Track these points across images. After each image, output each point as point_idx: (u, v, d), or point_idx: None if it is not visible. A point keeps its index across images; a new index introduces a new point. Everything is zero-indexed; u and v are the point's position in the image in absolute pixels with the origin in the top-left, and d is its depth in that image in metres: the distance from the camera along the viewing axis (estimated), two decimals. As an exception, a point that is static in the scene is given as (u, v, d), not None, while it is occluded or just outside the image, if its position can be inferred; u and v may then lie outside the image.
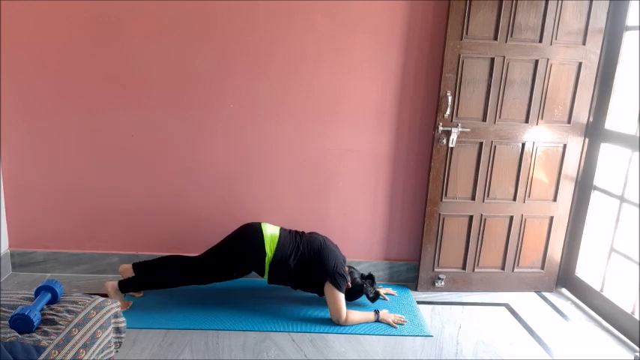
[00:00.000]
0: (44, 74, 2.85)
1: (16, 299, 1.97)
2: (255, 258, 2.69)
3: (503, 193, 3.07)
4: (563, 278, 3.25)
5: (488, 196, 3.06)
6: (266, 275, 2.73)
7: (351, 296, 2.80)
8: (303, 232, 2.85)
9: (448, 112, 2.87)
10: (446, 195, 3.04)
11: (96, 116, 2.92)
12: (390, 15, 2.86)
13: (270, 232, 2.74)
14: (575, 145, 3.04)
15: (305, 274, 2.72)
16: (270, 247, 2.68)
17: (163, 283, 2.78)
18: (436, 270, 3.15)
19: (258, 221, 2.84)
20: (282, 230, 2.78)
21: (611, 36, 2.88)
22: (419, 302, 3.03)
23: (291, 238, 2.76)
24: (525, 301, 3.11)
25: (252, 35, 2.85)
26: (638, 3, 2.75)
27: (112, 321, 1.97)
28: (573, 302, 3.13)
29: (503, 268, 3.19)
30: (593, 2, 2.81)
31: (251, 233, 2.73)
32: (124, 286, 2.73)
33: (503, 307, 3.03)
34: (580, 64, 2.90)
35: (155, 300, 2.83)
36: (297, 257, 2.69)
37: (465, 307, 3.02)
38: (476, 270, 3.17)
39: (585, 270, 3.16)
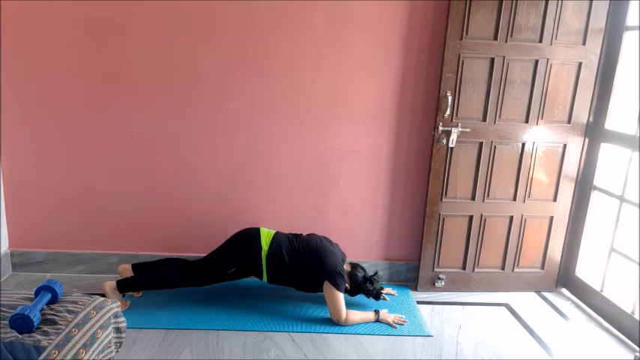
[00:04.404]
0: (44, 74, 2.85)
1: (16, 299, 1.97)
2: (251, 252, 2.71)
3: (503, 193, 3.07)
4: (563, 278, 3.25)
5: (488, 196, 3.06)
6: (264, 274, 2.73)
7: (352, 292, 2.79)
8: (300, 234, 2.85)
9: (448, 112, 2.87)
10: (446, 195, 3.04)
11: (96, 116, 2.92)
12: (390, 15, 2.86)
13: (267, 230, 2.79)
14: (575, 145, 3.04)
15: (304, 273, 2.72)
16: (265, 242, 2.72)
17: (161, 283, 2.77)
18: (436, 270, 3.15)
19: (256, 226, 2.86)
20: (278, 231, 2.83)
21: (611, 36, 2.88)
22: (419, 302, 3.03)
23: (287, 236, 2.80)
24: (525, 301, 3.11)
25: (252, 35, 2.85)
26: (638, 3, 2.75)
27: (112, 321, 1.98)
28: (573, 302, 3.13)
29: (503, 268, 3.19)
30: (593, 2, 2.81)
31: (248, 232, 2.78)
32: (122, 286, 2.73)
33: (503, 307, 3.03)
34: (580, 64, 2.90)
35: (155, 300, 2.83)
36: (292, 252, 2.71)
37: (464, 307, 3.02)
38: (476, 270, 3.17)
39: (585, 270, 3.16)
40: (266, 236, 2.75)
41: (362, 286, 2.77)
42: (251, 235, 2.75)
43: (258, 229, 2.79)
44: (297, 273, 2.73)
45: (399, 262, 3.26)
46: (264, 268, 2.71)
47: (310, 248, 2.73)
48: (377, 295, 2.82)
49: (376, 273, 2.84)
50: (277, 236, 2.76)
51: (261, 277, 2.76)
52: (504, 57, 2.85)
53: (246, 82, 2.92)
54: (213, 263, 2.78)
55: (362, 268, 2.84)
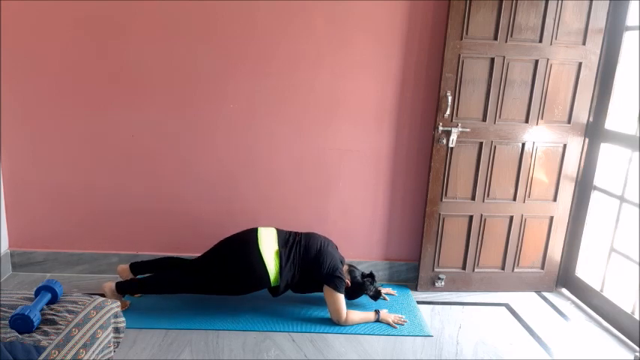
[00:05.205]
0: (44, 74, 2.85)
1: (16, 299, 1.97)
2: (261, 286, 2.68)
3: (503, 193, 3.07)
4: (563, 278, 3.25)
5: (488, 196, 3.06)
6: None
7: (352, 295, 2.80)
8: (300, 237, 2.76)
9: (448, 112, 2.87)
10: (446, 195, 3.04)
11: (96, 116, 2.92)
12: (390, 15, 2.86)
13: (271, 254, 2.62)
14: (575, 145, 3.04)
15: (304, 280, 2.72)
16: (274, 278, 2.62)
17: (161, 289, 2.75)
18: (436, 270, 3.15)
19: (254, 227, 2.74)
20: (280, 246, 2.67)
21: (611, 36, 2.88)
22: (419, 302, 3.03)
23: (290, 252, 2.66)
24: (525, 301, 3.11)
25: (252, 35, 2.85)
26: (638, 3, 2.75)
27: (112, 321, 1.98)
28: (573, 302, 3.13)
29: (503, 268, 3.19)
30: (593, 2, 2.81)
31: (254, 264, 2.60)
32: (122, 289, 2.72)
33: (503, 307, 3.03)
34: (580, 64, 2.90)
35: (155, 300, 2.83)
36: (299, 272, 2.67)
37: (465, 307, 3.02)
38: (476, 270, 3.17)
39: (585, 270, 3.16)
40: (275, 271, 2.61)
41: (362, 285, 2.76)
42: (259, 273, 2.60)
43: (262, 258, 2.60)
44: (298, 280, 2.72)
45: (399, 262, 3.26)
46: (271, 291, 2.73)
47: (311, 256, 2.68)
48: (377, 294, 2.82)
49: (371, 272, 2.84)
50: (283, 263, 2.62)
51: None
52: (504, 57, 2.85)
53: (246, 82, 2.91)
54: (217, 289, 2.70)
55: (358, 270, 2.84)
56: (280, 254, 2.65)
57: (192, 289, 2.72)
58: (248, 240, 2.68)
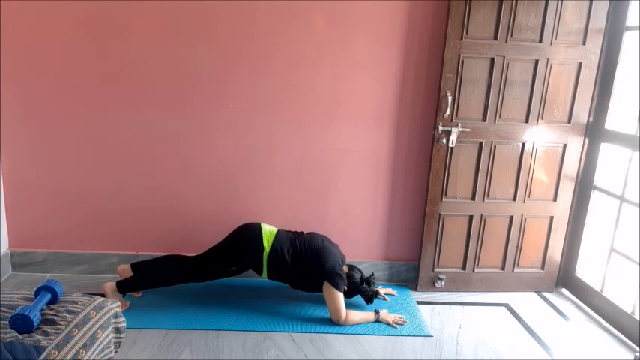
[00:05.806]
0: (44, 74, 2.85)
1: (16, 299, 1.97)
2: (253, 251, 2.71)
3: (503, 193, 3.07)
4: (563, 278, 3.25)
5: (488, 196, 3.06)
6: (264, 271, 2.73)
7: (349, 294, 2.79)
8: (301, 232, 2.85)
9: (448, 112, 2.87)
10: (446, 195, 3.04)
11: (96, 116, 2.92)
12: (390, 15, 2.86)
13: (268, 229, 2.79)
14: (575, 145, 3.04)
15: (303, 274, 2.73)
16: (267, 241, 2.71)
17: (161, 281, 2.78)
18: (436, 270, 3.15)
19: (257, 222, 2.85)
20: (280, 229, 2.83)
21: (611, 36, 2.88)
22: (419, 302, 3.03)
23: (288, 235, 2.80)
24: (525, 301, 3.11)
25: (252, 35, 2.85)
26: (638, 3, 2.75)
27: (112, 321, 1.98)
28: (573, 302, 3.13)
29: (503, 268, 3.19)
30: (593, 2, 2.81)
31: (250, 230, 2.78)
32: (122, 287, 2.73)
33: (503, 307, 3.03)
34: (580, 64, 2.90)
35: (155, 300, 2.83)
36: (294, 253, 2.71)
37: (465, 307, 3.02)
38: (476, 270, 3.17)
39: (585, 270, 3.16)
40: (268, 236, 2.74)
41: (359, 287, 2.76)
42: (253, 235, 2.74)
43: (260, 227, 2.77)
44: (296, 272, 2.73)
45: (399, 262, 3.26)
46: (265, 267, 2.72)
47: (311, 249, 2.73)
48: (372, 297, 2.81)
49: (372, 274, 2.84)
50: (279, 236, 2.76)
51: (260, 274, 2.76)
52: (504, 57, 2.85)
53: (246, 82, 2.92)
54: (214, 260, 2.77)
55: (358, 270, 2.84)
56: (278, 230, 2.82)
57: (192, 275, 2.76)
58: (249, 223, 2.82)
